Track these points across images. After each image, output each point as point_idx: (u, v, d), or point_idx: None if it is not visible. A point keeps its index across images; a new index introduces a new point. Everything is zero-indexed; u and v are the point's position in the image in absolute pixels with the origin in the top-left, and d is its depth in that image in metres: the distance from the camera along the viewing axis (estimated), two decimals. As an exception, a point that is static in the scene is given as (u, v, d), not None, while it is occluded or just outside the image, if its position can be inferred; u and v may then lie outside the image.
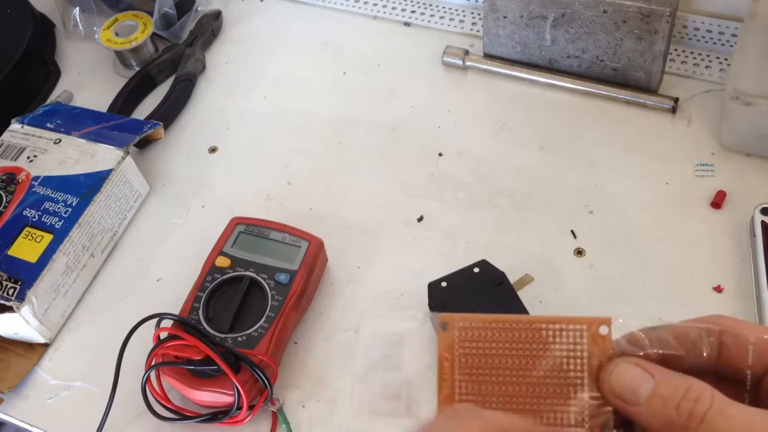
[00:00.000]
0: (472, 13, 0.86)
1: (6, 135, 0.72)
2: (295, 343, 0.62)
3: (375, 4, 0.88)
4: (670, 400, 0.28)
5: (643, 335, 0.30)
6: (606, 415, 0.30)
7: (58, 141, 0.70)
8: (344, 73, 0.83)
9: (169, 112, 0.79)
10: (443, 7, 0.87)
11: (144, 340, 0.57)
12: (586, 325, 0.31)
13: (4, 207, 0.66)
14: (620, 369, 0.30)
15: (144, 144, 0.77)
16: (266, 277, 0.60)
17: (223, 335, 0.57)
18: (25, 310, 0.60)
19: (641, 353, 0.30)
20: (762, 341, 0.29)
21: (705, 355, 0.30)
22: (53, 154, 0.70)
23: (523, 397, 0.31)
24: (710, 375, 0.30)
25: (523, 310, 0.58)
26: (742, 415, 0.27)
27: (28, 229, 0.64)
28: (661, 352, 0.30)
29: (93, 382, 0.62)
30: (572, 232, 0.66)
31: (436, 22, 0.86)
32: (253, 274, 0.61)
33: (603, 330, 0.31)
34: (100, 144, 0.70)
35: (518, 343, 0.31)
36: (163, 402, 0.57)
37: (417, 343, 0.32)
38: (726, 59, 0.76)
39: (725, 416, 0.27)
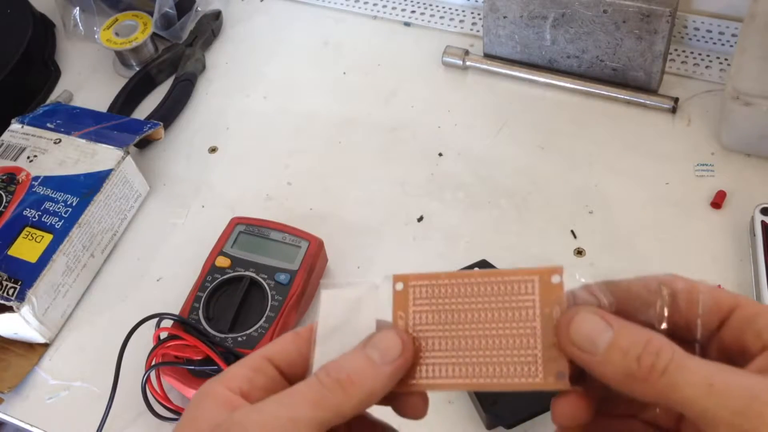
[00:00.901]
0: (472, 13, 0.86)
1: (6, 135, 0.72)
2: (295, 343, 0.62)
3: (375, 4, 0.88)
4: (630, 351, 0.28)
5: (598, 287, 0.31)
6: (560, 364, 0.30)
7: (58, 141, 0.70)
8: (344, 73, 0.83)
9: (169, 112, 0.79)
10: (443, 7, 0.87)
11: (144, 340, 0.57)
12: (538, 275, 0.31)
13: (4, 207, 0.66)
14: (579, 317, 0.29)
15: (144, 144, 0.77)
16: (266, 277, 0.60)
17: (223, 335, 0.57)
18: (25, 310, 0.60)
19: (595, 303, 0.30)
20: (712, 296, 0.30)
21: (658, 308, 0.30)
22: (53, 154, 0.70)
23: (478, 350, 0.31)
24: (661, 333, 0.30)
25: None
26: (702, 369, 0.27)
27: (28, 229, 0.64)
28: (615, 304, 0.30)
29: (93, 382, 0.62)
30: (572, 232, 0.66)
31: (436, 22, 0.86)
32: (253, 274, 0.61)
33: (555, 279, 0.30)
34: (100, 144, 0.70)
35: (472, 297, 0.31)
36: (163, 402, 0.57)
37: (374, 307, 0.32)
38: (726, 59, 0.76)
39: (686, 370, 0.27)
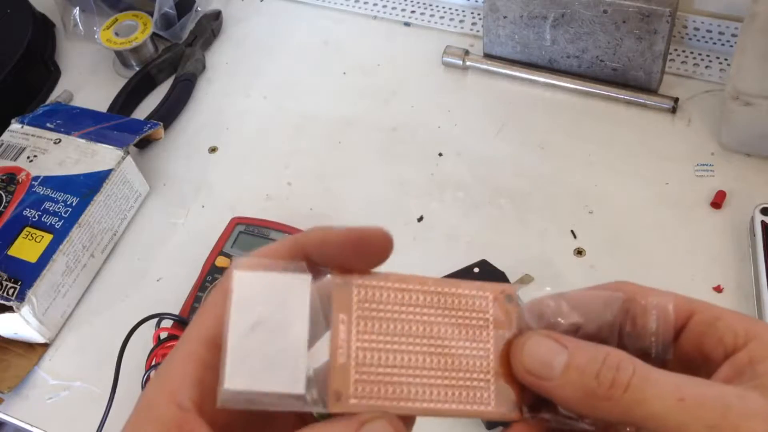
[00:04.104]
0: (472, 13, 0.86)
1: (6, 135, 0.72)
2: (295, 343, 0.62)
3: (375, 4, 0.88)
4: (587, 369, 0.26)
5: (549, 304, 0.29)
6: (512, 392, 0.28)
7: (58, 141, 0.70)
8: (344, 73, 0.83)
9: (169, 112, 0.79)
10: (443, 7, 0.87)
11: (144, 340, 0.57)
12: (491, 293, 0.29)
13: (4, 207, 0.66)
14: (531, 342, 0.27)
15: (144, 144, 0.77)
16: (266, 277, 0.60)
17: (223, 335, 0.57)
18: (25, 310, 0.60)
19: (549, 321, 0.28)
20: (666, 302, 0.28)
21: (610, 321, 0.28)
22: (53, 154, 0.70)
23: (427, 369, 0.27)
24: (616, 347, 0.28)
25: (523, 310, 0.58)
26: (669, 381, 0.25)
27: (28, 229, 0.64)
28: (567, 321, 0.28)
29: (93, 382, 0.62)
30: (572, 232, 0.66)
31: (436, 22, 0.86)
32: (253, 274, 0.60)
33: (508, 300, 0.29)
34: (100, 144, 0.70)
35: (423, 307, 0.28)
36: (163, 402, 0.57)
37: (305, 300, 0.26)
38: (726, 59, 0.76)
39: (651, 383, 0.25)
